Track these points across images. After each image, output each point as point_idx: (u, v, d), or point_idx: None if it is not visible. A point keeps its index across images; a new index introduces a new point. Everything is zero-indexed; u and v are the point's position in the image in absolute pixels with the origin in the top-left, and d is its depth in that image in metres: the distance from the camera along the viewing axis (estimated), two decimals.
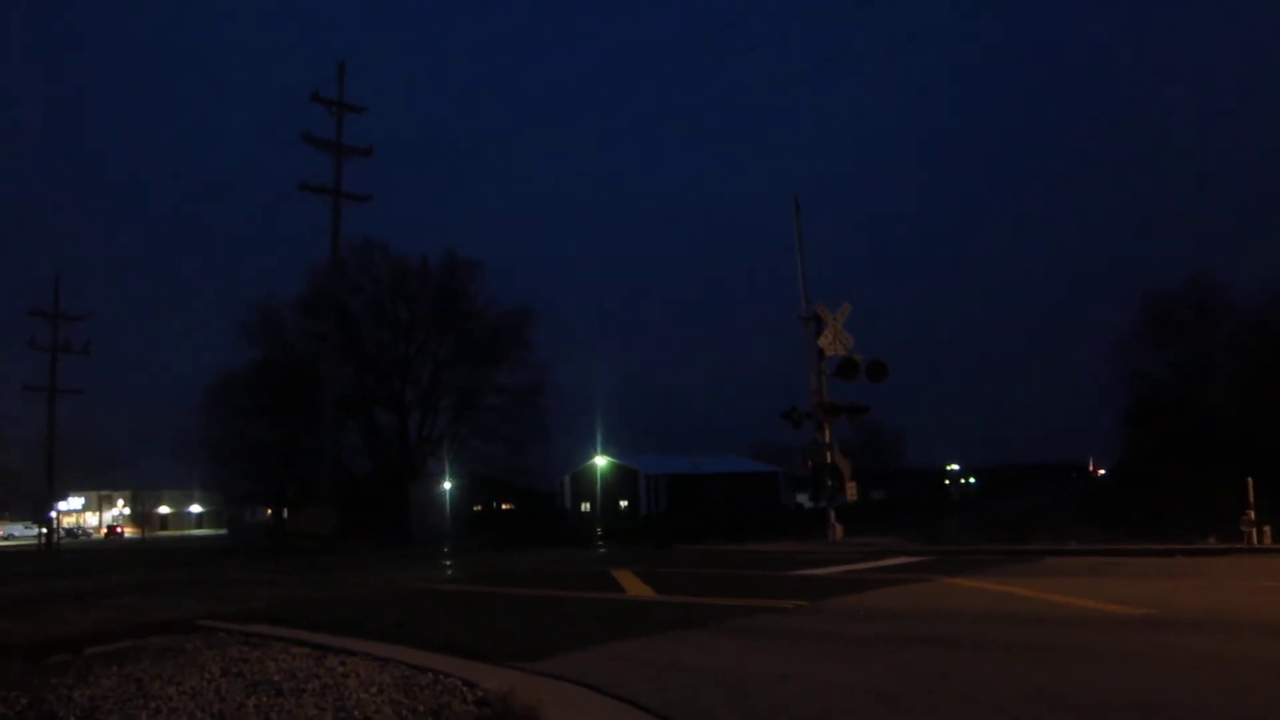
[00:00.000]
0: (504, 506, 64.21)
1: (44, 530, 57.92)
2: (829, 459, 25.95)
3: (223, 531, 79.18)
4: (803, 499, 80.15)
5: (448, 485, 50.90)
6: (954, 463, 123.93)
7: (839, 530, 25.20)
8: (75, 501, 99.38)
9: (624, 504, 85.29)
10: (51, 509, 59.67)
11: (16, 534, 74.31)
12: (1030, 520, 30.15)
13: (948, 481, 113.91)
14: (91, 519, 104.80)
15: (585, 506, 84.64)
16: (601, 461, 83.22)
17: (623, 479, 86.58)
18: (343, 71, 38.11)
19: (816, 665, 7.32)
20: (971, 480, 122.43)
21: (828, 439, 26.19)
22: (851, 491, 26.25)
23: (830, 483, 25.98)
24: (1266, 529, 17.49)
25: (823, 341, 26.14)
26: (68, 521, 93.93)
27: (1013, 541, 21.29)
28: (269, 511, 61.70)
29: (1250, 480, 17.53)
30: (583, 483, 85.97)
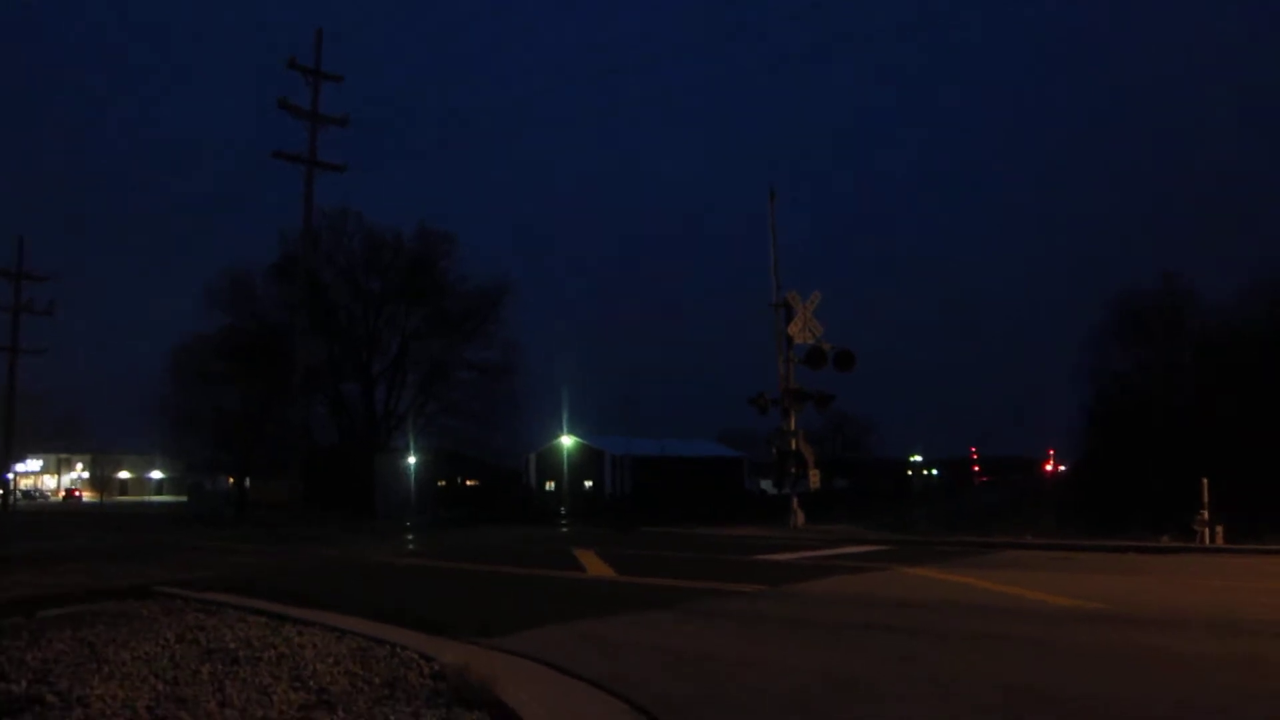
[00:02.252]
0: (469, 482, 64.02)
1: (1, 491, 57.24)
2: (794, 446, 26.10)
3: (184, 499, 78.46)
4: (767, 485, 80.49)
5: (413, 459, 50.69)
6: (918, 454, 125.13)
7: (801, 517, 25.38)
8: (34, 464, 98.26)
9: (589, 484, 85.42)
10: (9, 470, 58.96)
11: None
12: (990, 513, 30.58)
13: (910, 472, 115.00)
14: (50, 482, 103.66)
15: (550, 485, 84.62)
16: (568, 441, 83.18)
17: (589, 459, 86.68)
18: (320, 39, 37.60)
19: (775, 649, 7.37)
20: (934, 472, 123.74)
21: (793, 426, 26.33)
22: (815, 479, 26.45)
23: (794, 470, 26.14)
24: (1220, 529, 17.79)
25: (792, 329, 26.25)
26: (25, 484, 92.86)
27: (972, 533, 21.55)
28: (231, 480, 61.18)
29: (1205, 480, 17.80)
30: (549, 461, 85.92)
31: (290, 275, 45.02)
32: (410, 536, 25.70)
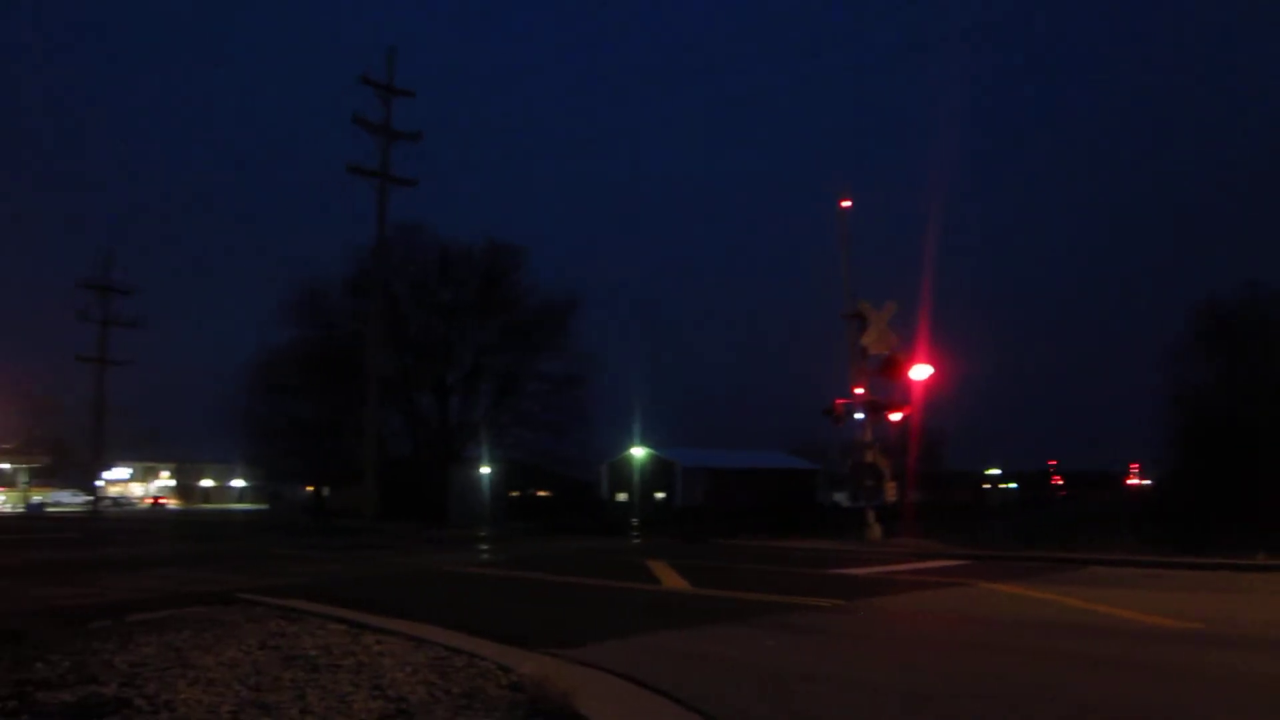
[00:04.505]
0: (541, 493, 64.38)
1: (91, 498, 59.15)
2: (869, 458, 25.74)
3: (264, 507, 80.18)
4: (840, 497, 79.65)
5: (486, 470, 51.12)
6: (995, 467, 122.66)
7: (877, 530, 24.99)
8: (121, 471, 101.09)
9: (661, 495, 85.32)
10: (99, 478, 60.89)
11: (64, 501, 75.75)
12: (1072, 528, 29.73)
13: (988, 485, 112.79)
14: (137, 489, 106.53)
15: (622, 496, 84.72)
16: (639, 452, 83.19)
17: (660, 470, 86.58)
18: (393, 56, 38.33)
19: (851, 665, 7.23)
20: (1012, 485, 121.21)
21: (869, 438, 25.97)
22: (891, 491, 26.01)
23: (869, 482, 25.76)
24: None
25: (866, 340, 25.90)
26: (113, 491, 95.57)
27: (1054, 549, 20.97)
28: (310, 489, 62.36)
29: None
30: (620, 473, 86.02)
31: (363, 288, 45.77)
32: (484, 546, 25.88)
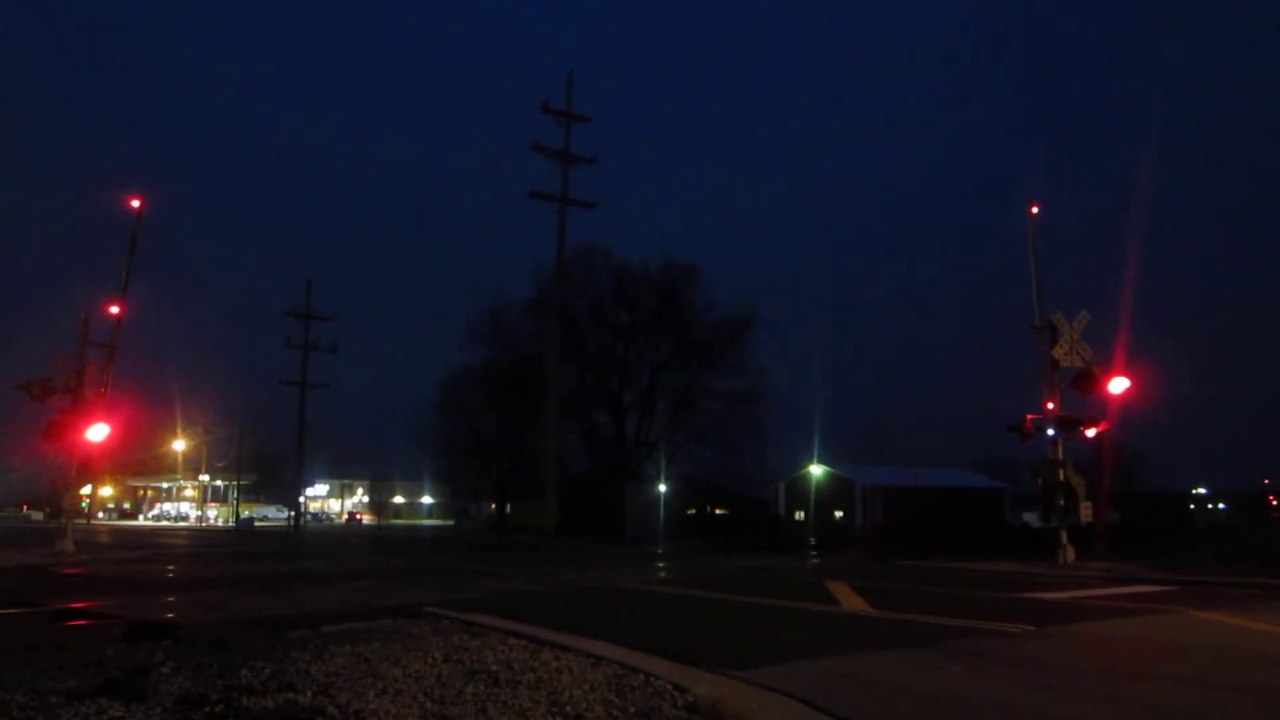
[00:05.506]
0: (717, 511, 64.19)
1: (294, 514, 62.85)
2: (1062, 476, 24.50)
3: (450, 522, 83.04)
4: (1030, 518, 76.03)
5: (663, 487, 51.40)
6: (1202, 487, 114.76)
7: (1071, 552, 23.73)
8: (320, 488, 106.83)
9: (839, 514, 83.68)
10: (300, 494, 64.60)
11: (270, 516, 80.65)
12: None
13: (1193, 506, 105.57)
14: (334, 505, 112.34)
15: (799, 515, 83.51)
16: (817, 470, 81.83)
17: (838, 489, 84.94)
18: (571, 83, 39.32)
19: (1045, 696, 6.83)
20: (1221, 506, 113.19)
21: (1061, 455, 24.73)
22: (1086, 512, 24.66)
23: (1062, 502, 24.51)
24: None
25: (1058, 352, 24.72)
26: (313, 506, 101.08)
27: (1273, 575, 19.34)
28: (493, 505, 64.21)
29: None
30: (797, 491, 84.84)
31: (543, 309, 46.94)
32: (661, 564, 25.98)
